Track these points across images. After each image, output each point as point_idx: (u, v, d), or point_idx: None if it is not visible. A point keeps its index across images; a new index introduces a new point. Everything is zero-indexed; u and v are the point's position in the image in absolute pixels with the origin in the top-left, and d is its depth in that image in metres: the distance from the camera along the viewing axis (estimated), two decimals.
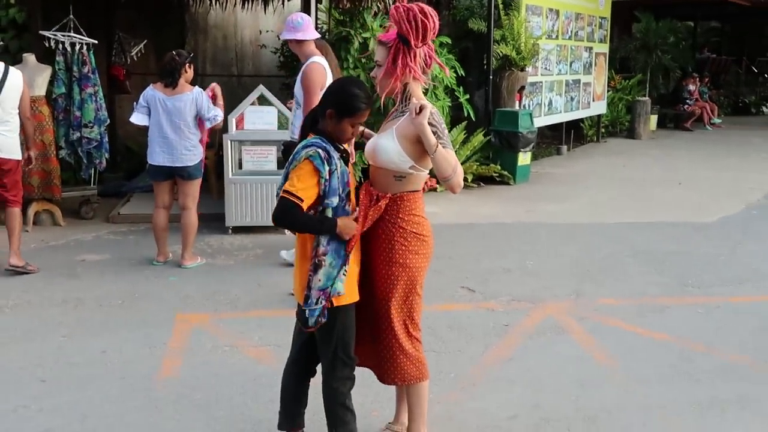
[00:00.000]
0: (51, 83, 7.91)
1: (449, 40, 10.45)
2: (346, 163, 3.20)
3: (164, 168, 6.30)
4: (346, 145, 3.25)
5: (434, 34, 3.21)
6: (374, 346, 3.39)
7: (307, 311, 3.12)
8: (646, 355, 4.79)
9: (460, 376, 4.42)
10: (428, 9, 3.20)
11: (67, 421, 3.84)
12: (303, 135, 3.21)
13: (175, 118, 6.23)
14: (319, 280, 3.10)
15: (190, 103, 6.24)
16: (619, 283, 6.23)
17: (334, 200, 3.10)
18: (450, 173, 3.12)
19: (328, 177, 3.05)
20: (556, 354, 4.78)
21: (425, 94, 3.38)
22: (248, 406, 4.02)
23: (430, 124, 3.11)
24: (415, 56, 3.21)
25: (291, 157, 3.11)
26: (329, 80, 5.64)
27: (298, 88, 5.66)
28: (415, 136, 3.13)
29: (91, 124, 7.80)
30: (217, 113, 6.37)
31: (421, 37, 3.19)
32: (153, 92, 6.29)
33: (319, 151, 3.03)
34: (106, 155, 8.13)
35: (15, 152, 6.14)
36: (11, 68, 6.12)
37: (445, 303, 5.67)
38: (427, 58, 3.27)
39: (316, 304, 3.10)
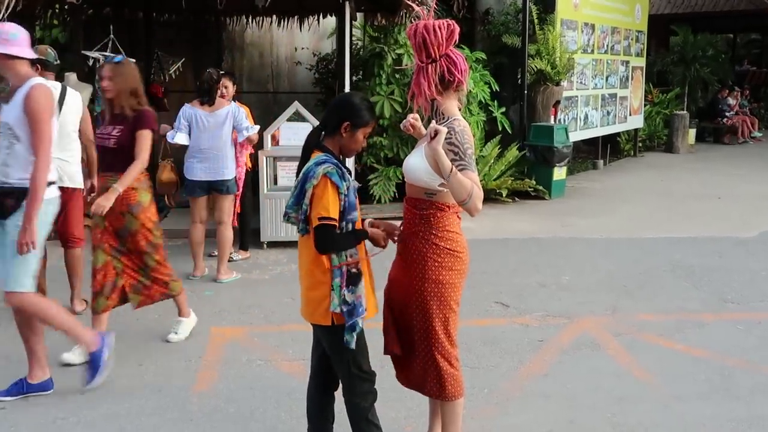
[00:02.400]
0: (93, 101, 8.08)
1: (484, 56, 10.47)
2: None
3: (203, 183, 6.40)
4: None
5: (439, 47, 3.17)
6: (411, 361, 3.39)
7: (355, 323, 3.09)
8: (684, 371, 4.71)
9: (494, 392, 4.39)
10: (435, 23, 3.18)
11: None
12: (307, 154, 3.19)
13: (215, 132, 6.33)
14: (363, 287, 3.11)
15: (228, 116, 6.35)
16: (656, 299, 6.15)
17: (355, 214, 3.12)
18: (464, 198, 3.07)
19: (346, 192, 3.07)
20: (592, 370, 4.73)
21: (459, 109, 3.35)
22: (282, 419, 4.03)
23: (450, 143, 3.10)
24: (427, 72, 3.21)
25: (303, 174, 3.08)
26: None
27: (16, 117, 4.11)
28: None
29: None
30: (251, 125, 6.49)
31: (424, 53, 3.19)
32: (192, 110, 6.39)
33: (335, 167, 3.05)
34: None
35: (77, 180, 5.62)
36: (69, 89, 5.67)
37: (479, 318, 5.64)
38: (445, 72, 3.21)
39: (364, 311, 3.11)
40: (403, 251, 3.34)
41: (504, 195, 10.18)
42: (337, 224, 3.04)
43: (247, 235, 7.39)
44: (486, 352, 4.99)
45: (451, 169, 3.04)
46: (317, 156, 3.13)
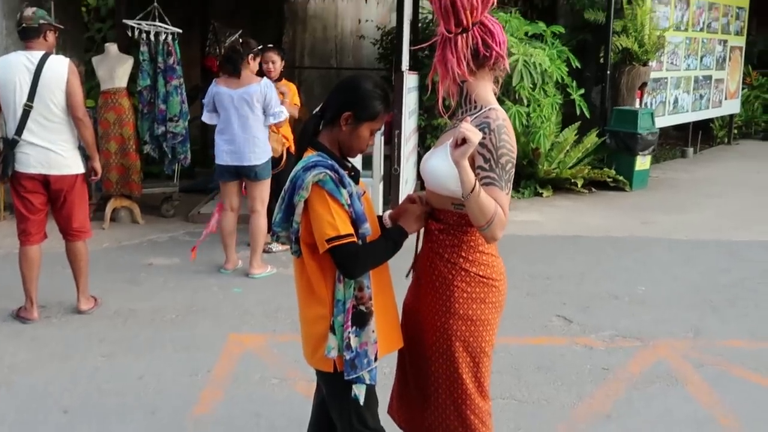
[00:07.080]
0: (134, 74, 7.59)
1: (562, 29, 9.57)
2: (356, 181, 2.50)
3: (231, 168, 5.81)
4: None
5: (473, 11, 2.40)
6: (426, 415, 2.69)
7: (360, 378, 2.44)
8: None
9: None
10: None
11: None
12: (300, 150, 2.51)
13: (242, 111, 5.72)
14: (373, 332, 2.43)
15: (258, 94, 5.72)
16: (749, 319, 5.25)
17: (367, 226, 2.41)
18: (483, 224, 2.32)
19: (349, 201, 2.37)
20: (666, 411, 3.92)
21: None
22: None
23: (482, 144, 2.34)
24: (456, 45, 2.45)
25: (290, 183, 2.39)
26: None
27: None
28: (472, 157, 2.37)
29: (176, 118, 7.42)
30: (282, 110, 5.85)
31: (453, 20, 2.42)
32: (216, 88, 5.80)
33: (328, 173, 2.35)
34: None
35: (70, 166, 4.87)
36: (52, 57, 4.79)
37: (536, 335, 4.89)
38: (480, 45, 2.45)
39: (375, 361, 2.45)
40: (423, 276, 2.62)
41: (579, 185, 9.31)
42: (355, 239, 2.36)
43: None
44: (539, 380, 4.24)
45: (474, 186, 2.27)
46: (307, 156, 2.43)
